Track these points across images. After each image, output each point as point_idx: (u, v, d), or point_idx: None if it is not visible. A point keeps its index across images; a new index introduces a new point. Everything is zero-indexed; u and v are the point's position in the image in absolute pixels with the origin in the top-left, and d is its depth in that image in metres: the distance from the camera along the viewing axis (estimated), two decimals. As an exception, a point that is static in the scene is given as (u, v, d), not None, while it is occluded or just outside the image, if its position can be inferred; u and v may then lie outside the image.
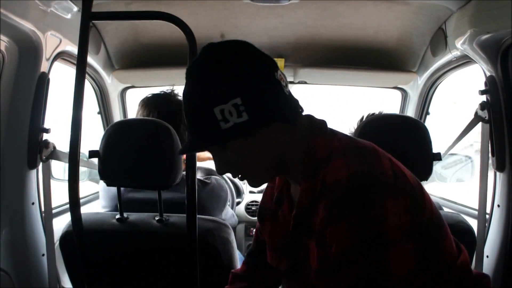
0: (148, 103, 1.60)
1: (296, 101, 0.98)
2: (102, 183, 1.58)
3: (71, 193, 1.20)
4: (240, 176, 1.00)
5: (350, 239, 0.84)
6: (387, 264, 0.83)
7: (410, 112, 2.45)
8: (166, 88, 1.65)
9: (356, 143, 0.97)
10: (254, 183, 1.03)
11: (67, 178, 1.21)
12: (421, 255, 0.86)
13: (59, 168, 1.83)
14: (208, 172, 1.70)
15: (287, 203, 1.08)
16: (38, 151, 1.56)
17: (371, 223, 0.83)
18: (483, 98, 1.65)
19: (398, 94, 2.52)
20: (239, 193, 2.33)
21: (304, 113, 1.02)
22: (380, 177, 0.87)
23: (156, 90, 1.67)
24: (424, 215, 0.89)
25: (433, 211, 0.94)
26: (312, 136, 0.96)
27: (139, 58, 2.20)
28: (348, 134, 1.03)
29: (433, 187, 2.36)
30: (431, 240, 0.90)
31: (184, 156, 1.40)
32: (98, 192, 1.96)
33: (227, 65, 0.91)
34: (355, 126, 1.67)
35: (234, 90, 0.88)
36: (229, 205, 1.67)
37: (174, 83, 1.68)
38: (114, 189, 1.39)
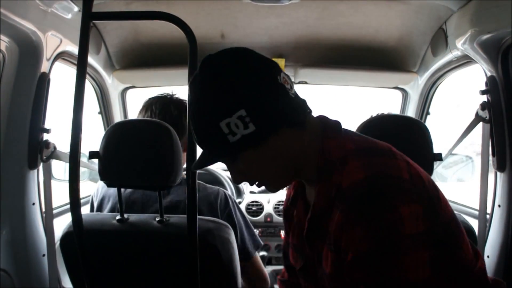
0: (145, 105, 1.60)
1: (303, 103, 0.96)
2: (100, 183, 1.59)
3: (72, 194, 1.20)
4: (257, 183, 0.99)
5: (365, 244, 0.82)
6: (402, 270, 0.81)
7: (411, 112, 2.45)
8: (167, 90, 1.64)
9: (372, 144, 0.95)
10: (271, 189, 1.02)
11: (67, 178, 1.21)
12: (437, 262, 0.84)
13: (60, 168, 1.83)
14: (210, 179, 1.67)
15: (302, 205, 1.07)
16: (38, 151, 1.57)
17: (387, 229, 0.81)
18: (484, 98, 1.65)
19: (398, 94, 2.51)
20: (239, 193, 2.33)
21: (316, 114, 1.00)
22: (397, 181, 0.85)
23: (156, 90, 1.66)
24: (440, 222, 0.87)
25: (452, 217, 0.91)
26: (325, 137, 0.94)
27: (139, 58, 2.20)
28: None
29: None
30: (448, 246, 0.88)
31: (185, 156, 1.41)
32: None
33: (228, 78, 0.90)
34: None
35: (237, 103, 0.88)
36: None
37: (175, 83, 1.68)
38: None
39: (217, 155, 0.95)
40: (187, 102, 1.05)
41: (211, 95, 0.90)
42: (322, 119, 0.99)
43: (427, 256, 0.83)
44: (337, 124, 0.98)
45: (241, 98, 0.88)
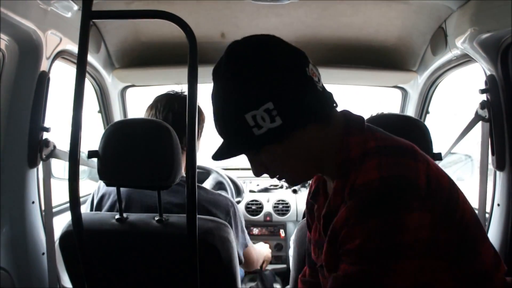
0: (151, 103, 1.59)
1: (330, 96, 0.93)
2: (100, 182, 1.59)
3: (71, 192, 1.20)
4: (278, 176, 0.97)
5: (362, 243, 0.81)
6: (384, 274, 0.80)
7: (410, 111, 2.45)
8: (177, 88, 1.63)
9: (394, 143, 0.92)
10: (292, 183, 1.00)
11: (67, 177, 1.21)
12: (449, 269, 0.83)
13: (59, 167, 1.83)
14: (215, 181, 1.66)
15: (322, 200, 1.05)
16: (38, 150, 1.57)
17: (389, 233, 0.79)
18: (484, 97, 1.65)
19: (398, 93, 2.52)
20: (239, 192, 2.32)
21: (340, 109, 0.97)
22: (412, 185, 0.82)
23: (157, 89, 1.66)
24: (451, 231, 0.84)
25: (471, 219, 0.89)
26: (347, 134, 0.92)
27: (139, 57, 2.20)
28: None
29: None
30: (465, 251, 0.86)
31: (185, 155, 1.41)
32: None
33: (255, 69, 0.86)
34: None
35: (264, 95, 0.84)
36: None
37: (175, 82, 1.67)
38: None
39: (240, 148, 0.93)
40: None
41: (237, 85, 0.87)
42: (346, 114, 0.96)
43: (417, 266, 0.81)
44: (360, 120, 0.95)
45: (268, 90, 0.84)
